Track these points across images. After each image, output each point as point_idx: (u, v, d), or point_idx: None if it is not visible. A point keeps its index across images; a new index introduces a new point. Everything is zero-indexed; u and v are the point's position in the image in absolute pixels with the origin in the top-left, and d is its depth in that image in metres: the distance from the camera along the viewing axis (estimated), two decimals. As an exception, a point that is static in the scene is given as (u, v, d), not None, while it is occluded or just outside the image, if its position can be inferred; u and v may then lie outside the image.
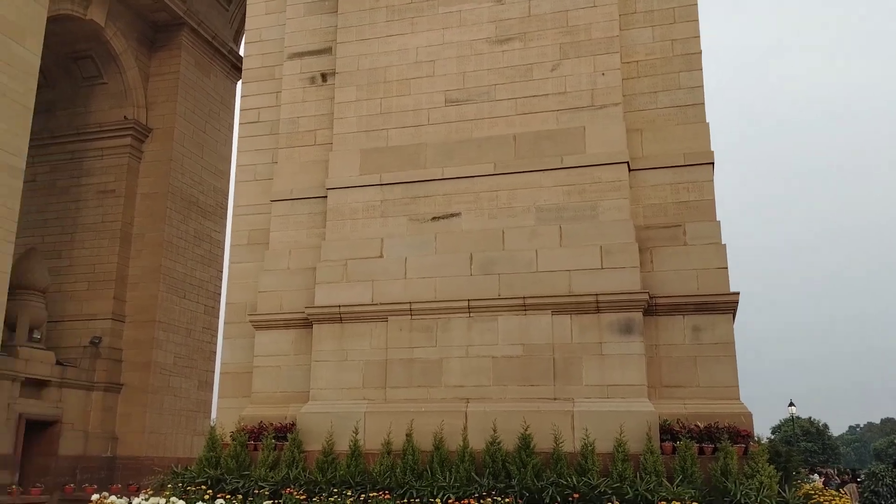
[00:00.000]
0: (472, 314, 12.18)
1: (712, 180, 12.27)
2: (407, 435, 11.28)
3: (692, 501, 9.45)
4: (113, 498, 11.56)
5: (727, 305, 11.37)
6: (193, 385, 25.27)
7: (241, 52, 27.30)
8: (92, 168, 24.76)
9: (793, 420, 50.02)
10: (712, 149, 12.35)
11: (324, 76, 14.89)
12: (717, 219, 11.96)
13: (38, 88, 19.72)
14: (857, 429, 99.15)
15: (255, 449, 11.91)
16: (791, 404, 43.90)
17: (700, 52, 12.94)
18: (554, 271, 12.03)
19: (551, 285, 11.94)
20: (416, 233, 13.01)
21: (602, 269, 11.81)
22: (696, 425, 10.60)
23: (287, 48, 15.26)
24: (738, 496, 9.42)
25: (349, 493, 10.60)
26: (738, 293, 11.39)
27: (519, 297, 11.96)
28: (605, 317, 11.51)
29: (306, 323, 13.03)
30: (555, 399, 11.39)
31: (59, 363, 21.50)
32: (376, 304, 12.64)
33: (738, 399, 11.05)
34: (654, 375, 11.36)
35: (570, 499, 9.75)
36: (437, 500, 10.15)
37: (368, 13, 14.54)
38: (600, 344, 11.46)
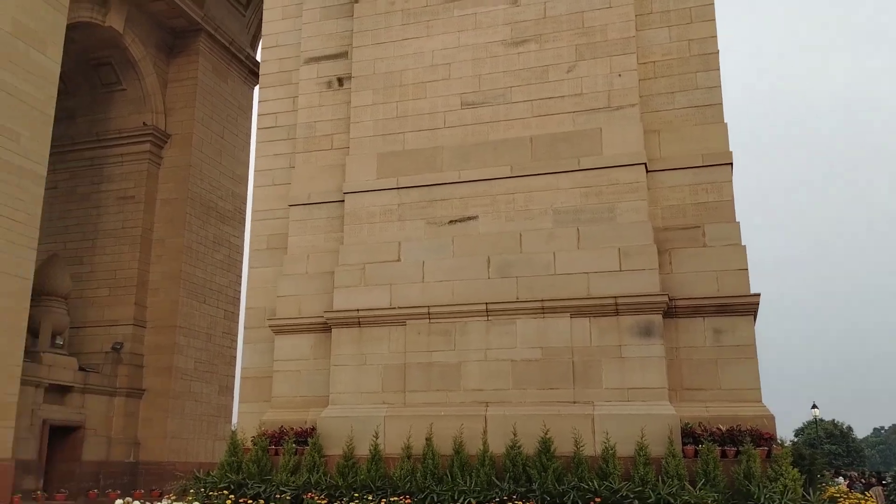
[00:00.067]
0: (490, 317, 12.16)
1: (731, 181, 12.16)
2: (427, 439, 11.28)
3: (715, 505, 9.36)
4: (136, 503, 11.64)
5: (748, 307, 11.27)
6: (214, 390, 25.46)
7: (258, 58, 27.46)
8: (112, 174, 25.03)
9: (816, 423, 49.40)
10: (731, 149, 12.25)
11: (340, 80, 14.93)
12: (737, 220, 11.86)
13: (58, 95, 19.97)
14: (882, 431, 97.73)
15: (276, 453, 11.97)
16: (814, 406, 43.38)
17: (717, 52, 12.84)
18: (572, 274, 11.98)
19: (570, 288, 11.89)
20: (434, 236, 13.01)
21: (621, 271, 11.74)
22: (718, 428, 10.51)
23: (303, 53, 15.33)
24: (762, 499, 9.33)
25: (370, 498, 10.62)
26: (758, 294, 11.27)
27: (537, 300, 11.92)
28: (624, 319, 11.45)
29: (325, 327, 13.07)
30: (574, 402, 11.34)
31: (81, 369, 21.76)
32: (394, 308, 12.65)
33: (761, 401, 10.94)
34: (674, 378, 11.27)
35: (592, 502, 9.70)
36: (458, 504, 10.14)
37: (384, 17, 14.57)
38: (620, 347, 11.39)
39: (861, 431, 78.83)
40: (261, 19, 20.85)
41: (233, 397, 25.55)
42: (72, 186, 25.19)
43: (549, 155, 12.84)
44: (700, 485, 9.72)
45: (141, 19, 25.11)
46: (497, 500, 10.11)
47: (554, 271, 12.09)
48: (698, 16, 13.02)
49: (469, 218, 12.99)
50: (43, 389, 19.99)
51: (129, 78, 25.38)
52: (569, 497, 9.83)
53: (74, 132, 25.36)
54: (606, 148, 12.59)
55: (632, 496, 9.65)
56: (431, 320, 12.42)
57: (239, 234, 27.50)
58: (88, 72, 25.33)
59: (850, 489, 16.36)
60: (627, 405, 11.05)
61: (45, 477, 20.08)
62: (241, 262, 27.10)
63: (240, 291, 26.73)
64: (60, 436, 20.82)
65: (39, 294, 20.06)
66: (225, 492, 11.29)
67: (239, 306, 26.67)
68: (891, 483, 18.21)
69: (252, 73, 28.39)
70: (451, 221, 13.08)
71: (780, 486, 9.46)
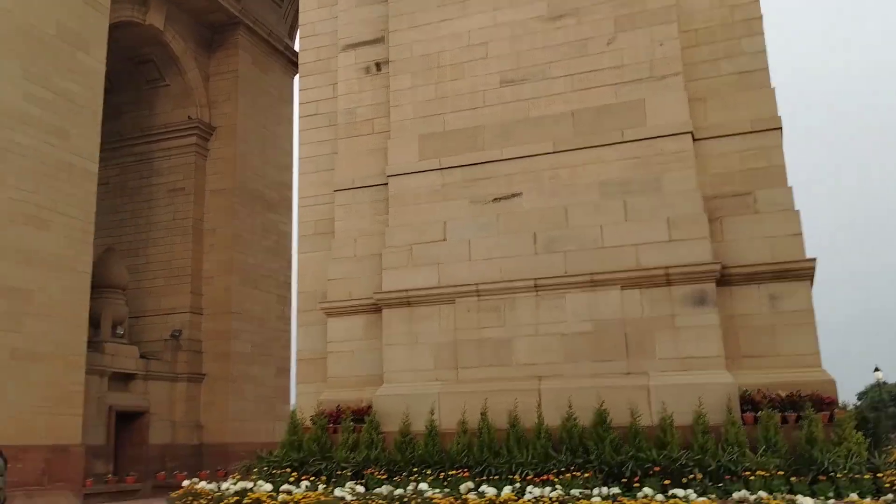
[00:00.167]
0: (539, 293, 12.22)
1: (781, 145, 11.95)
2: (481, 414, 11.44)
3: (777, 470, 9.32)
4: (203, 483, 12.07)
5: (804, 272, 11.11)
6: (271, 372, 26.10)
7: (296, 47, 27.74)
8: (160, 168, 25.65)
9: (879, 385, 48.21)
10: (779, 114, 12.02)
11: (378, 65, 15.05)
12: (789, 184, 11.66)
13: (104, 94, 20.49)
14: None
15: (335, 432, 12.28)
16: (877, 369, 42.27)
17: (761, 17, 12.59)
18: (620, 246, 11.95)
19: (618, 260, 11.87)
20: (479, 214, 13.10)
21: (671, 241, 11.67)
22: (777, 394, 10.42)
23: (340, 40, 15.47)
24: (826, 464, 9.26)
25: (429, 472, 10.85)
26: (814, 259, 11.10)
27: (586, 274, 11.94)
28: (676, 289, 11.39)
29: (376, 308, 13.30)
30: (628, 374, 11.36)
31: (142, 356, 22.51)
32: (443, 287, 12.80)
33: (820, 366, 10.81)
34: (731, 346, 11.19)
35: (651, 472, 9.74)
36: (516, 476, 10.29)
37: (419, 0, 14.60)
38: (673, 317, 11.35)
39: (926, 393, 76.50)
40: (297, 10, 21.05)
41: (290, 378, 26.15)
42: (122, 181, 25.88)
43: (591, 129, 12.78)
44: (761, 451, 9.69)
45: (180, 16, 25.55)
46: (554, 471, 10.22)
47: (602, 244, 12.08)
48: (741, -21, 12.73)
49: (513, 195, 13.03)
50: (107, 377, 20.74)
51: (172, 73, 25.89)
52: (627, 467, 9.90)
53: (122, 128, 26.02)
54: (651, 118, 12.47)
55: (691, 464, 9.66)
56: (480, 297, 12.54)
57: (287, 221, 27.98)
58: (132, 69, 25.91)
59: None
60: (683, 375, 11.03)
61: (115, 461, 20.90)
62: (290, 247, 27.57)
63: (290, 276, 27.24)
64: (127, 421, 21.62)
65: (98, 287, 20.75)
66: (287, 470, 11.65)
67: (290, 290, 27.20)
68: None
69: (291, 62, 28.67)
70: (495, 199, 13.14)
71: (844, 451, 9.38)
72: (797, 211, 11.43)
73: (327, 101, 15.71)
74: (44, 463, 17.23)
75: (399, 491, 10.26)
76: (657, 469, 9.74)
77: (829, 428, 9.93)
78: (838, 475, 9.13)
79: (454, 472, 10.72)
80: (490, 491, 9.83)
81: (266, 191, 27.10)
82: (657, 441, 10.24)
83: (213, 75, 26.65)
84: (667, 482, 9.49)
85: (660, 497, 9.14)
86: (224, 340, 24.31)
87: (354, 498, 10.30)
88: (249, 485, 11.33)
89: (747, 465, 9.45)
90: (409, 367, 12.71)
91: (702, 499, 8.96)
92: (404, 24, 14.61)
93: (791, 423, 10.13)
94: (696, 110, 12.41)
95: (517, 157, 13.16)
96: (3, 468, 5.07)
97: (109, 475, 20.20)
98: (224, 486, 11.62)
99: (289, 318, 26.71)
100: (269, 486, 11.04)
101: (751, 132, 12.03)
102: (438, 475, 10.76)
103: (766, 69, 12.32)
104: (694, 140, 12.23)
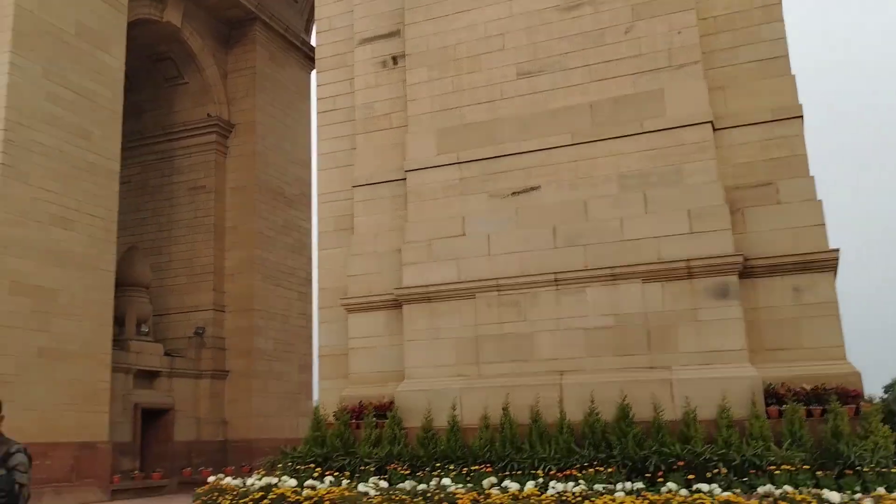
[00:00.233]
0: (559, 287, 12.18)
1: (803, 134, 11.77)
2: (503, 409, 11.44)
3: (803, 465, 9.24)
4: (228, 479, 12.18)
5: (828, 263, 10.95)
6: (294, 368, 26.28)
7: (313, 42, 27.75)
8: (181, 166, 25.84)
9: (907, 378, 47.47)
10: (800, 102, 11.83)
11: (395, 59, 15.00)
12: (811, 174, 11.48)
13: (124, 93, 20.66)
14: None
15: (358, 427, 12.35)
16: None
17: (780, 3, 12.36)
18: (641, 239, 11.85)
19: (639, 253, 11.78)
20: (498, 209, 13.06)
21: (692, 233, 11.55)
22: (802, 388, 10.29)
23: (357, 34, 15.45)
24: (852, 457, 9.16)
25: (451, 467, 10.88)
26: (838, 250, 10.94)
27: (606, 268, 11.86)
28: (698, 282, 11.29)
29: (396, 304, 13.33)
30: (651, 368, 11.30)
31: (167, 354, 22.76)
32: (463, 282, 12.79)
33: (845, 359, 10.67)
34: (754, 339, 11.08)
35: (675, 467, 9.69)
36: (539, 471, 10.29)
37: (435, -8, 14.51)
38: (695, 310, 11.25)
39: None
40: (313, 4, 21.04)
41: (312, 374, 26.32)
42: (144, 180, 26.11)
43: (610, 120, 12.67)
44: (786, 445, 9.60)
45: (197, 13, 25.65)
46: (577, 466, 10.22)
47: (622, 237, 11.99)
48: (760, -35, 12.51)
49: (532, 188, 12.96)
50: (132, 375, 21.01)
51: (190, 71, 26.03)
52: (650, 462, 9.85)
53: (142, 127, 26.23)
54: (670, 108, 12.33)
55: (716, 459, 9.59)
56: (500, 292, 12.52)
57: (306, 218, 28.07)
58: (150, 67, 26.08)
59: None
60: (707, 368, 10.94)
61: (141, 458, 21.19)
62: (310, 244, 27.68)
63: (311, 273, 27.35)
64: (152, 418, 21.89)
65: (122, 285, 21.00)
66: (312, 465, 11.74)
67: (311, 287, 27.32)
68: None
69: (308, 57, 28.68)
70: (513, 193, 13.08)
71: (871, 444, 9.26)
72: (819, 201, 11.26)
73: (345, 96, 15.70)
74: (72, 460, 17.53)
75: (422, 486, 10.30)
76: (681, 464, 9.69)
77: (854, 421, 9.81)
78: (865, 469, 9.02)
79: (477, 467, 10.75)
80: (513, 486, 9.83)
81: (286, 187, 27.21)
82: (680, 435, 10.18)
83: (230, 72, 26.76)
84: (690, 477, 9.43)
85: (684, 492, 9.08)
86: (247, 337, 24.50)
87: (378, 493, 10.36)
88: (274, 480, 11.44)
89: (772, 459, 9.36)
90: (430, 362, 12.74)
91: (726, 493, 8.89)
92: (420, 16, 14.56)
93: (816, 417, 10.02)
94: (715, 99, 12.25)
95: (535, 150, 13.07)
96: (27, 465, 5.14)
97: (136, 471, 20.49)
98: (249, 481, 11.73)
99: (310, 315, 26.85)
100: (293, 482, 11.13)
101: (772, 121, 11.85)
102: (461, 470, 10.79)
103: (786, 56, 12.12)
104: (714, 130, 12.07)
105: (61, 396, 17.35)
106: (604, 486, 9.49)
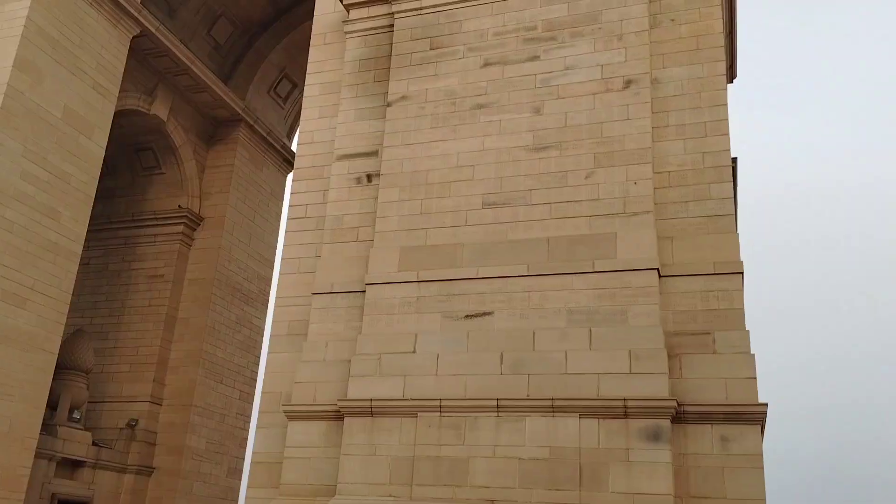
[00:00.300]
0: (500, 413, 12.28)
1: (742, 289, 12.42)
2: (431, 535, 11.22)
3: None
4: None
5: (756, 416, 11.30)
6: (223, 471, 25.27)
7: (294, 147, 28.68)
8: (144, 253, 25.84)
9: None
10: (742, 259, 12.58)
11: (369, 177, 15.64)
12: (747, 328, 12.05)
13: (100, 177, 20.98)
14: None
15: (281, 541, 11.93)
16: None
17: (730, 165, 13.36)
18: (583, 374, 12.14)
19: (580, 388, 12.03)
20: (450, 330, 13.31)
21: (631, 373, 11.89)
22: (724, 540, 10.37)
23: (336, 150, 16.13)
24: None
25: (371, 593, 10.51)
26: (766, 404, 11.32)
27: (547, 399, 12.05)
28: (633, 422, 11.51)
29: (338, 415, 13.21)
30: (580, 505, 11.27)
31: (95, 444, 21.87)
32: (407, 400, 12.82)
33: (767, 513, 10.83)
34: (681, 485, 11.20)
35: None
36: None
37: (414, 120, 15.39)
38: (628, 450, 11.40)
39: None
40: (299, 110, 22.03)
41: (241, 480, 25.30)
42: (104, 263, 25.98)
43: (565, 256, 13.24)
44: None
45: (185, 108, 26.52)
46: None
47: (565, 370, 12.26)
48: (713, 130, 13.58)
49: (485, 313, 13.30)
50: (55, 463, 20.09)
51: (169, 163, 26.58)
52: None
53: (111, 211, 26.40)
54: (621, 252, 12.97)
55: None
56: (443, 413, 12.55)
57: (261, 315, 27.94)
58: (130, 155, 26.59)
59: None
60: (633, 511, 10.96)
61: (48, 554, 19.90)
62: (261, 343, 27.41)
63: (257, 372, 26.88)
64: (67, 511, 20.75)
65: (62, 368, 20.46)
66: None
67: (255, 387, 26.77)
68: None
69: (286, 161, 29.53)
70: (467, 316, 13.40)
71: None
72: (753, 354, 11.75)
73: (316, 205, 16.15)
74: (-26, 547, 16.44)
75: None
76: None
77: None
78: None
79: None
80: None
81: (246, 283, 27.25)
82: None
83: (208, 167, 27.37)
84: None
85: None
86: (180, 434, 23.68)
87: None
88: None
89: None
90: (363, 479, 12.52)
91: None
92: (398, 141, 15.33)
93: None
94: (663, 248, 12.93)
95: (492, 277, 13.50)
96: None
97: (40, 568, 19.20)
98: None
99: (248, 417, 26.18)
100: None
101: (714, 274, 12.51)
102: None
103: (732, 215, 12.95)
104: (660, 276, 12.68)
105: (-24, 478, 16.50)
106: None
